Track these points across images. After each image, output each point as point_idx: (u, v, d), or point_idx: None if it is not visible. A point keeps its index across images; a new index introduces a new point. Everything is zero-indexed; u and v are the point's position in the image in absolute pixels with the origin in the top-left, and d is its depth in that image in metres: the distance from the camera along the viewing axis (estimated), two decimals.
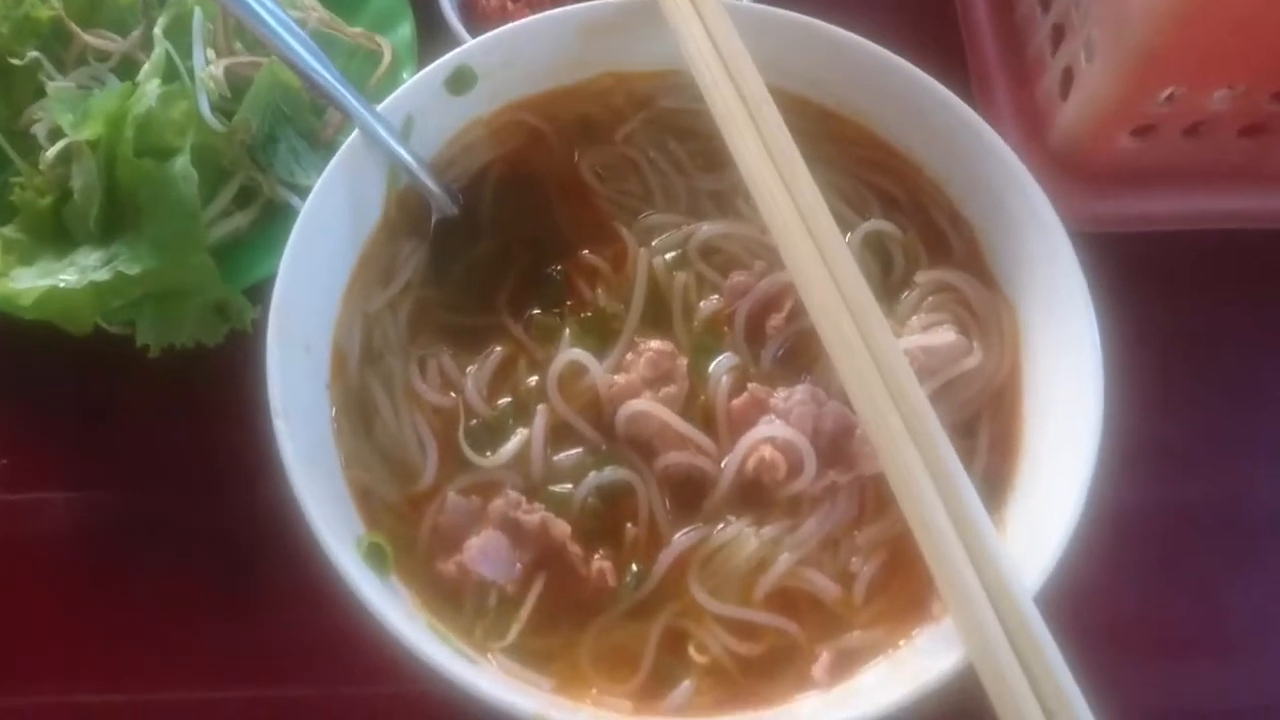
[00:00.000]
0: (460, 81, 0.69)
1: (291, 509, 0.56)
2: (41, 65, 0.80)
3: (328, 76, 0.63)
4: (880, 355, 0.59)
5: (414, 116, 0.68)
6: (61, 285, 0.74)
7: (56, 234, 0.79)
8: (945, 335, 0.64)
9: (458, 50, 0.68)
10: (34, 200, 0.78)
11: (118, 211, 0.78)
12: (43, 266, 0.77)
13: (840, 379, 0.60)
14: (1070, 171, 0.82)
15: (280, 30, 0.61)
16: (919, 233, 0.69)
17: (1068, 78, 0.82)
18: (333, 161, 0.64)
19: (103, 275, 0.74)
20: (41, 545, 0.76)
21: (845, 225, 0.67)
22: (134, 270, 0.74)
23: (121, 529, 0.76)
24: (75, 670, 0.71)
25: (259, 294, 0.78)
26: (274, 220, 0.81)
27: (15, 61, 0.80)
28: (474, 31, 0.86)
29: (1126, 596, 0.70)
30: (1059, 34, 0.84)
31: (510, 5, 0.87)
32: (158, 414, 0.78)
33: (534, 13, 0.85)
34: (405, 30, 0.89)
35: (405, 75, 0.87)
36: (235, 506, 0.74)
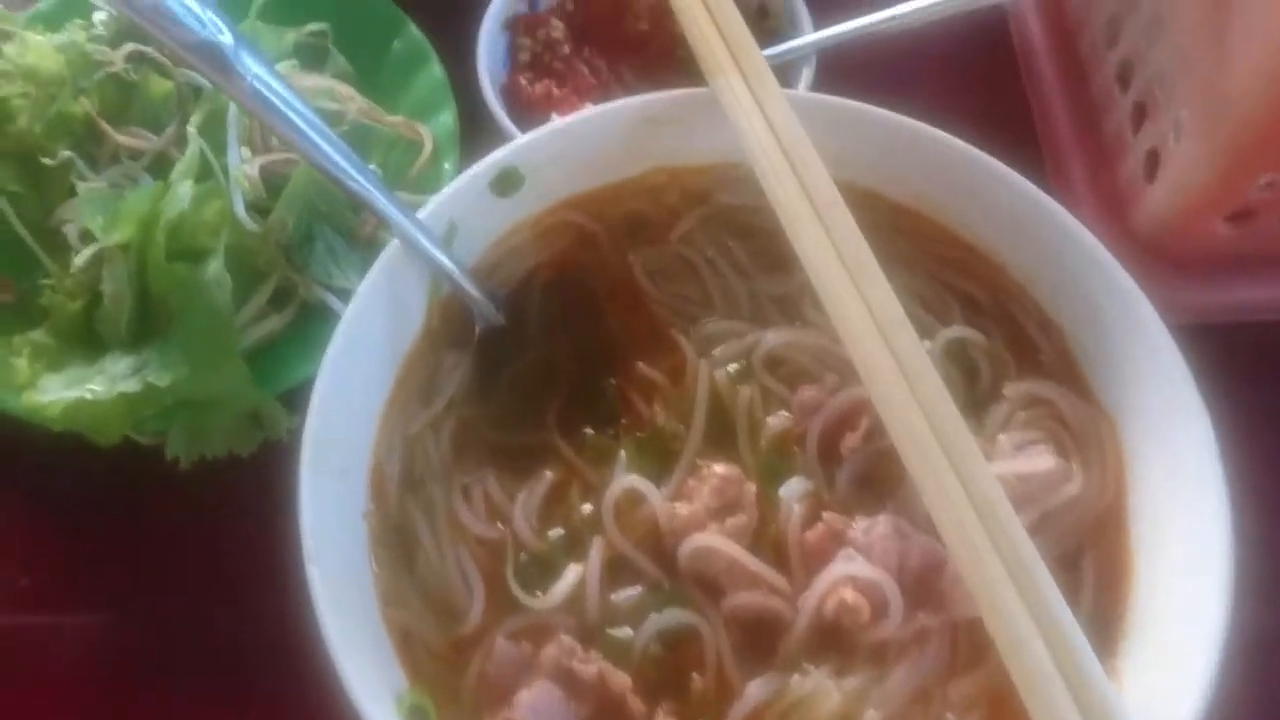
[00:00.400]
0: (507, 183, 0.64)
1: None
2: (74, 165, 0.77)
3: (365, 184, 0.59)
4: (971, 483, 0.53)
5: (457, 222, 0.63)
6: (89, 396, 0.71)
7: (86, 338, 0.76)
8: (1042, 460, 0.58)
9: (505, 150, 0.64)
10: (64, 304, 0.76)
11: (149, 316, 0.75)
12: (71, 374, 0.74)
13: (927, 509, 0.54)
14: (1157, 258, 0.76)
15: (314, 136, 0.57)
16: (1004, 339, 0.64)
17: (1153, 159, 0.76)
18: (371, 273, 0.60)
19: (132, 385, 0.71)
20: (63, 673, 0.72)
21: (924, 332, 0.61)
22: (164, 381, 0.70)
23: (148, 653, 0.71)
24: None
25: (295, 399, 0.75)
26: (310, 321, 0.78)
27: (48, 161, 0.77)
28: (517, 118, 0.82)
29: None
30: (1141, 113, 0.79)
31: (556, 92, 0.83)
32: (188, 528, 0.75)
33: (580, 100, 0.82)
34: (447, 118, 0.85)
35: (447, 165, 0.84)
36: (272, 624, 0.69)
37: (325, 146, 0.57)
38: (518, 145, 0.64)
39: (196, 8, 0.51)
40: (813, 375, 0.63)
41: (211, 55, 0.51)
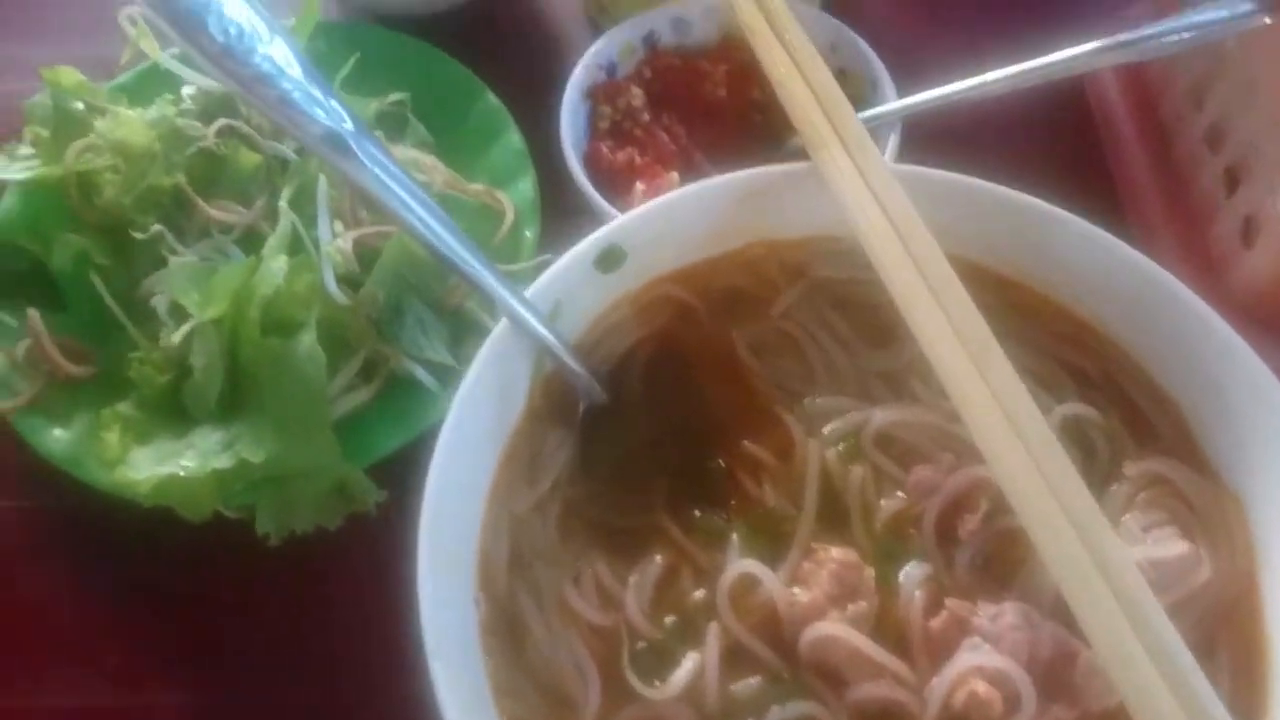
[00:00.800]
0: (610, 260, 0.64)
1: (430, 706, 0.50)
2: (163, 238, 0.77)
3: (478, 266, 0.59)
4: (1108, 568, 0.52)
5: (562, 301, 0.63)
6: (182, 473, 0.71)
7: (174, 411, 0.76)
8: (1175, 546, 0.56)
9: (609, 228, 0.63)
10: (153, 377, 0.75)
11: (239, 390, 0.75)
12: (160, 447, 0.74)
13: (1060, 593, 0.52)
14: (1258, 324, 0.74)
15: (429, 219, 0.56)
16: (1120, 416, 0.62)
17: (1250, 225, 0.75)
18: (480, 357, 0.59)
19: (225, 461, 0.71)
20: None
21: (1039, 408, 0.60)
22: (258, 457, 0.70)
23: None
24: None
25: (381, 471, 0.74)
26: (396, 393, 0.77)
27: (138, 235, 0.77)
28: (599, 185, 0.82)
29: None
30: (1233, 177, 0.78)
31: (638, 160, 0.83)
32: (275, 605, 0.74)
33: (663, 168, 0.82)
34: (526, 186, 0.86)
35: (528, 233, 0.84)
36: (365, 703, 0.68)
37: (439, 228, 0.56)
38: (621, 223, 0.64)
39: (320, 95, 0.51)
40: (926, 454, 0.61)
41: (336, 144, 0.51)
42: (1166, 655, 0.50)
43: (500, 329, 0.60)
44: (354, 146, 0.51)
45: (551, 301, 0.62)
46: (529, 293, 0.61)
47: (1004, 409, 0.56)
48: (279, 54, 0.49)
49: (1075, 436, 0.62)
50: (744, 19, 0.69)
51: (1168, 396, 0.63)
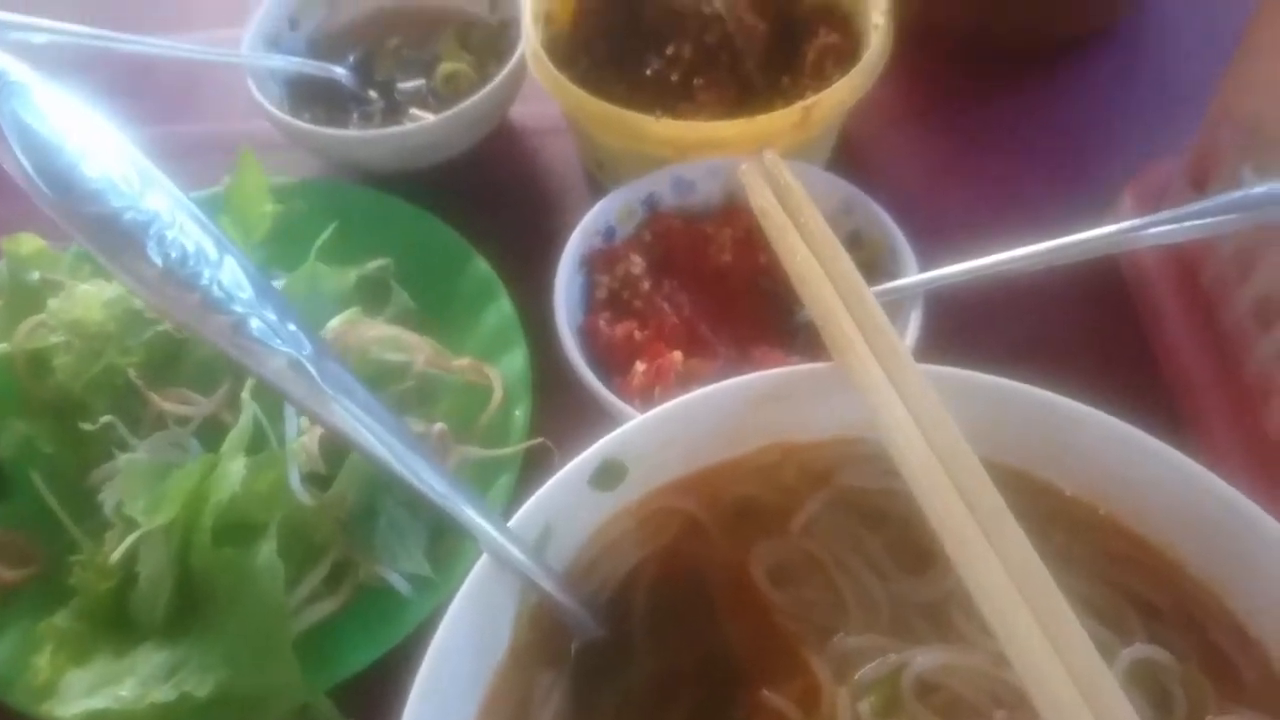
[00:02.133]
0: (608, 477, 0.56)
1: None
2: (115, 429, 0.70)
3: (452, 496, 0.51)
4: None
5: (553, 525, 0.55)
6: (116, 706, 0.62)
7: (117, 623, 0.68)
8: None
9: (607, 441, 0.56)
10: (95, 583, 0.68)
11: (190, 602, 0.67)
12: (98, 669, 0.66)
13: None
14: None
15: (398, 445, 0.49)
16: (1197, 658, 0.54)
17: None
18: (460, 598, 0.51)
19: (166, 694, 0.62)
20: None
21: (1101, 650, 0.52)
22: (203, 690, 0.62)
23: None
24: None
25: (345, 696, 0.66)
26: (366, 603, 0.69)
27: (87, 426, 0.70)
28: (595, 361, 0.76)
29: None
30: None
31: (638, 335, 0.76)
32: None
33: (665, 346, 0.76)
34: (518, 359, 0.79)
35: (518, 412, 0.77)
36: None
37: (410, 458, 0.49)
38: (622, 435, 0.56)
39: (275, 319, 0.44)
40: (972, 705, 0.53)
41: (295, 372, 0.44)
42: None
43: (481, 568, 0.52)
44: (314, 373, 0.44)
45: (539, 528, 0.55)
46: (513, 522, 0.54)
47: (1060, 653, 0.48)
48: (228, 276, 0.43)
49: (1146, 685, 0.53)
50: (755, 202, 0.63)
51: (1252, 636, 0.54)
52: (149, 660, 0.64)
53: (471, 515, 0.51)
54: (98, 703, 0.62)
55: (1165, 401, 0.77)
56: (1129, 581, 0.57)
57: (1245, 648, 0.54)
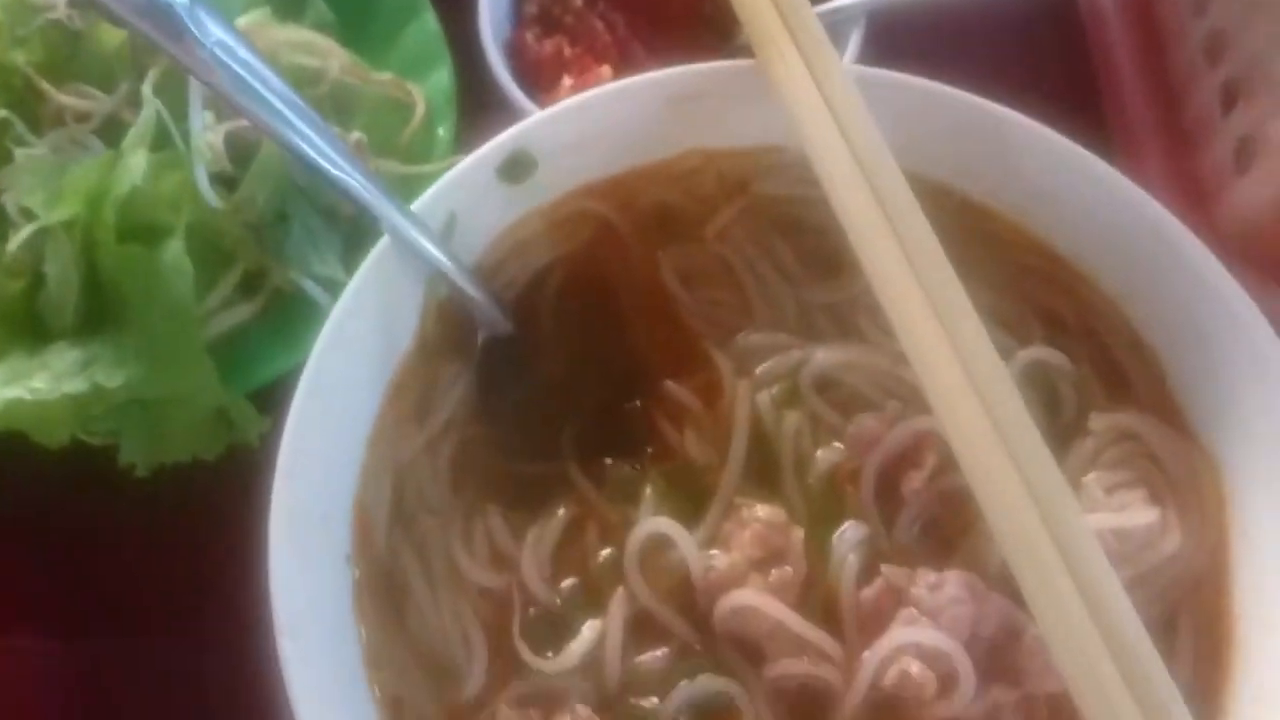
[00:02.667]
0: (517, 168, 0.55)
1: None
2: (11, 126, 0.67)
3: (348, 170, 0.49)
4: (1063, 537, 0.45)
5: (458, 214, 0.54)
6: (30, 396, 0.62)
7: (30, 323, 0.67)
8: (1142, 514, 0.50)
9: (515, 130, 0.54)
10: (3, 284, 0.66)
11: (100, 302, 0.66)
12: (12, 365, 0.65)
13: (1009, 566, 0.46)
14: (1247, 260, 0.67)
15: (286, 112, 0.47)
16: (1092, 363, 0.55)
17: (1246, 148, 0.67)
18: (357, 278, 0.51)
19: (78, 385, 0.62)
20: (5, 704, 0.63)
21: (999, 353, 0.53)
22: (114, 381, 0.62)
23: (95, 685, 0.64)
24: None
25: (267, 400, 0.66)
26: (283, 310, 0.68)
27: None
28: (522, 80, 0.72)
29: None
30: (1232, 93, 0.69)
31: (567, 51, 0.73)
32: (146, 544, 0.66)
33: (595, 62, 0.72)
34: (442, 77, 0.75)
35: (441, 131, 0.74)
36: (238, 658, 0.61)
37: (300, 124, 0.47)
38: (530, 125, 0.54)
39: (188, 6, 0.40)
40: (870, 401, 0.54)
41: (161, 17, 0.41)
42: (1123, 641, 0.44)
43: (381, 247, 0.52)
44: (185, 21, 0.41)
45: (444, 215, 0.53)
46: (416, 206, 0.52)
47: (957, 351, 0.49)
48: None
49: (1039, 385, 0.54)
50: None
51: (1146, 344, 0.55)
52: (62, 358, 0.64)
53: (370, 192, 0.50)
54: (11, 392, 0.62)
55: (1105, 140, 0.76)
56: (1037, 293, 0.57)
57: (1138, 353, 0.56)
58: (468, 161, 0.53)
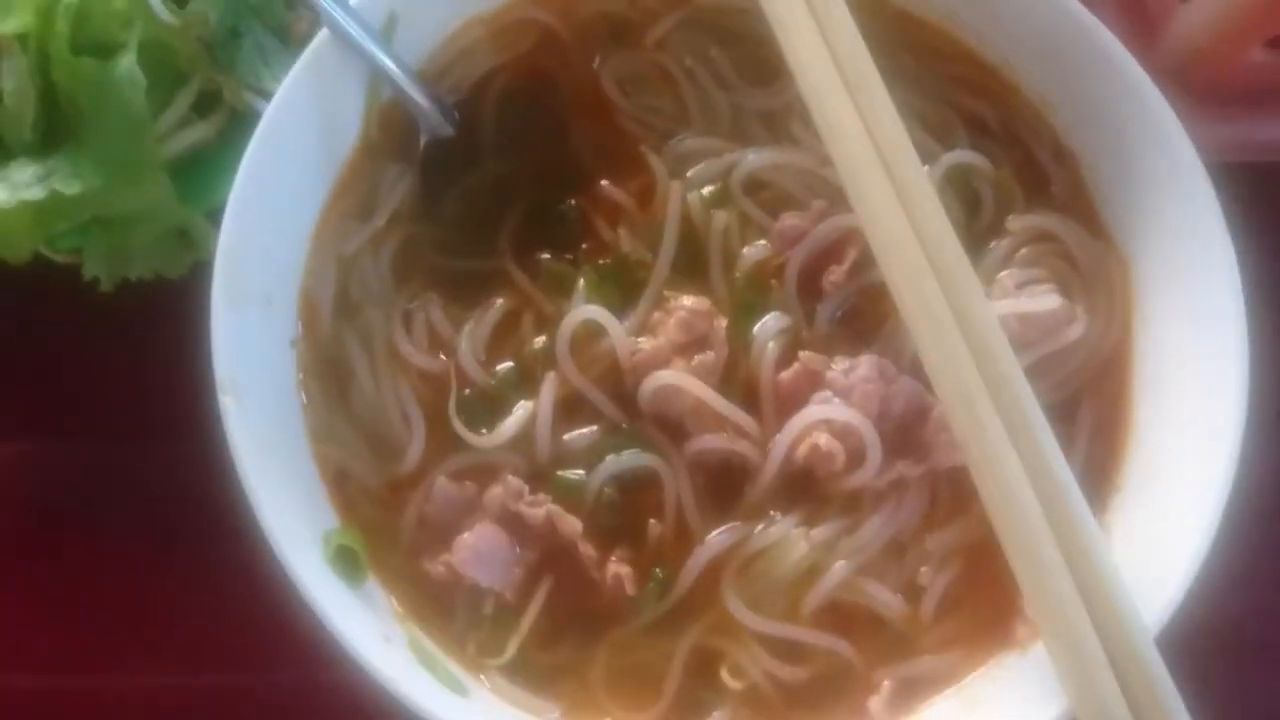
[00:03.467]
0: None
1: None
2: None
3: None
4: (969, 323, 0.48)
5: (398, 14, 0.55)
6: None
7: None
8: (1046, 300, 0.52)
9: None
10: None
11: (58, 118, 0.67)
12: None
13: (917, 350, 0.49)
14: (1187, 88, 0.67)
15: None
16: (1014, 168, 0.57)
17: None
18: (295, 68, 0.52)
19: (37, 193, 0.64)
20: None
21: (924, 156, 0.54)
22: (73, 189, 0.63)
23: (61, 483, 0.67)
24: None
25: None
26: (241, 131, 0.69)
27: None
28: None
29: (1256, 610, 0.59)
30: None
31: None
32: (109, 355, 0.69)
33: None
34: None
35: None
36: (193, 462, 0.64)
37: None
38: None
39: None
40: (796, 200, 0.56)
41: None
42: (1016, 410, 0.47)
43: (319, 42, 0.53)
44: None
45: (383, 13, 0.54)
46: (355, 2, 0.53)
47: (879, 151, 0.51)
48: None
49: (960, 187, 0.56)
50: None
51: (1067, 149, 0.57)
52: (22, 171, 0.65)
53: None
54: None
55: None
56: (964, 100, 0.59)
57: (1060, 159, 0.57)
58: None
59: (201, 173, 0.69)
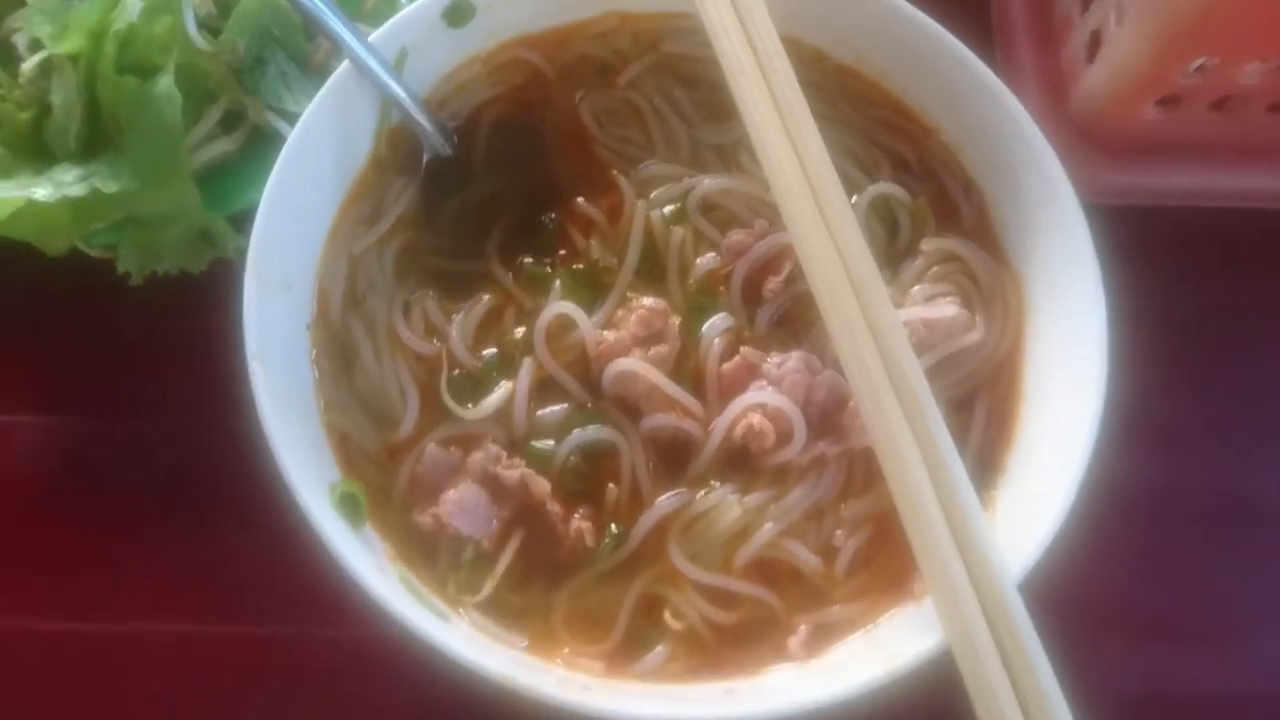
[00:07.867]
0: (458, 14, 0.65)
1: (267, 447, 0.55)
2: None
3: (319, 3, 0.60)
4: (878, 327, 0.57)
5: (409, 49, 0.64)
6: (37, 199, 0.72)
7: (36, 150, 0.77)
8: (947, 309, 0.62)
9: None
10: (13, 114, 0.76)
11: (99, 130, 0.75)
12: (19, 182, 0.75)
13: (835, 348, 0.58)
14: (1091, 140, 0.79)
15: None
16: (929, 199, 0.67)
17: (1095, 41, 0.78)
18: (321, 92, 0.61)
19: (79, 191, 0.72)
20: (8, 470, 0.74)
21: (853, 187, 0.65)
22: (111, 189, 0.72)
23: (92, 456, 0.75)
24: (32, 594, 0.70)
25: (244, 222, 0.76)
26: (261, 147, 0.78)
27: None
28: None
29: (1109, 580, 0.69)
30: None
31: None
32: (137, 341, 0.77)
33: None
34: None
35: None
36: (212, 437, 0.72)
37: None
38: None
39: None
40: (743, 220, 0.66)
41: None
42: (914, 400, 0.56)
43: (342, 70, 0.62)
44: None
45: (396, 48, 0.64)
46: (373, 37, 0.63)
47: (809, 182, 0.60)
48: None
49: (883, 214, 0.66)
50: None
51: (975, 185, 0.67)
52: (65, 173, 0.74)
53: (336, 22, 0.60)
54: (18, 194, 0.72)
55: (986, 32, 0.85)
56: (889, 141, 0.69)
57: (968, 193, 0.67)
58: (416, 4, 0.64)
59: (224, 181, 0.78)
